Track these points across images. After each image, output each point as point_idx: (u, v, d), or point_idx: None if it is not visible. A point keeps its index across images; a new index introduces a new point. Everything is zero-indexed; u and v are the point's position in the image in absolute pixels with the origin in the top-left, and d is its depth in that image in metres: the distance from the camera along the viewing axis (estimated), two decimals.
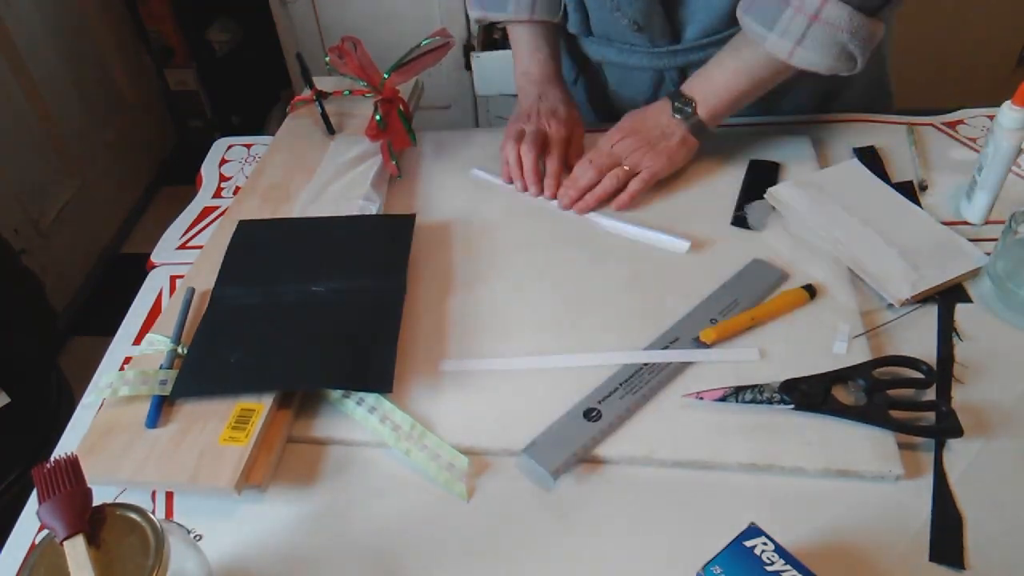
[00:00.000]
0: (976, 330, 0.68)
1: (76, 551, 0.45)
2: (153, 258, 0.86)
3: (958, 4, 1.89)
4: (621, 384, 0.64)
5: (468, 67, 1.89)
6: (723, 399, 0.62)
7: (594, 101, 1.04)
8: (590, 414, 0.62)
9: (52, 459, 0.48)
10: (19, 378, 1.28)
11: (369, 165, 0.89)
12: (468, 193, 0.89)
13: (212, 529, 0.59)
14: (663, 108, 0.85)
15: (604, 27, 0.91)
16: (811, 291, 0.71)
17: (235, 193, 0.94)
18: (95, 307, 2.00)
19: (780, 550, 0.47)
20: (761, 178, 0.85)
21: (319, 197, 0.86)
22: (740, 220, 0.81)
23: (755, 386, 0.62)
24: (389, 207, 0.87)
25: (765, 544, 0.48)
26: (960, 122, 0.93)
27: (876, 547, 0.54)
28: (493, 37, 1.65)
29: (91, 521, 0.46)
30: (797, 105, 0.95)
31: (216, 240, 0.82)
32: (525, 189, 0.87)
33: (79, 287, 2.00)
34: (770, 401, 0.61)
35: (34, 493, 0.52)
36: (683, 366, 0.66)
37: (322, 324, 0.69)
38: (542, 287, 0.76)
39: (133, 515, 0.47)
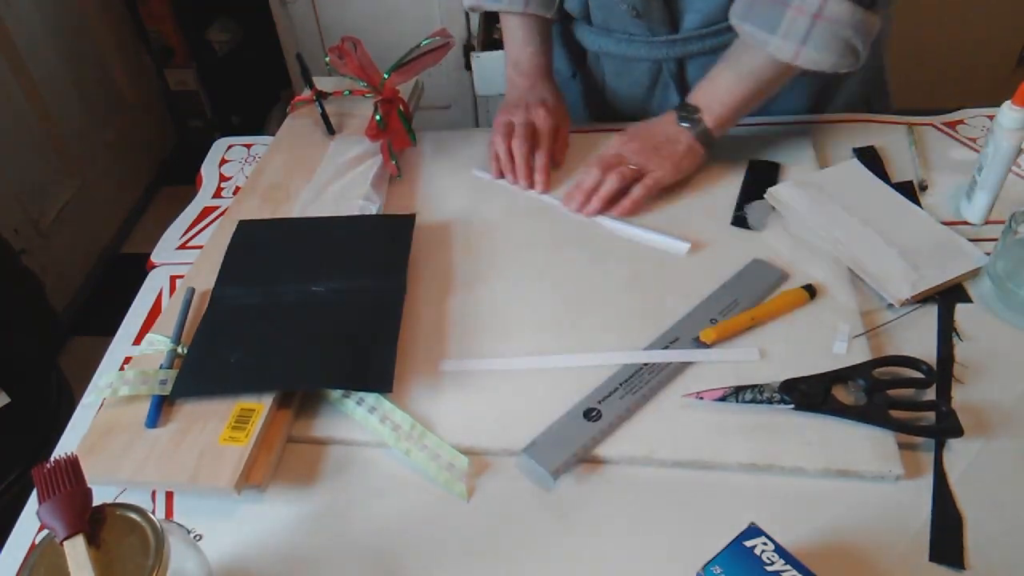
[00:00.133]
0: (976, 330, 0.68)
1: (76, 551, 0.44)
2: (153, 258, 0.86)
3: (958, 4, 1.89)
4: (621, 384, 0.64)
5: (468, 67, 1.89)
6: (723, 399, 0.62)
7: (590, 98, 1.04)
8: (590, 414, 0.62)
9: (52, 459, 0.48)
10: (19, 378, 1.28)
11: (369, 165, 0.89)
12: (468, 193, 0.89)
13: (212, 529, 0.59)
14: (669, 118, 0.85)
15: (604, 15, 0.91)
16: (811, 291, 0.71)
17: (235, 193, 0.94)
18: (95, 307, 2.00)
19: (780, 550, 0.47)
20: (761, 178, 0.85)
21: (319, 197, 0.86)
22: (740, 220, 0.81)
23: (755, 386, 0.62)
24: (389, 207, 0.87)
25: (765, 544, 0.48)
26: (960, 122, 0.93)
27: (876, 547, 0.54)
28: (493, 37, 1.65)
29: (91, 521, 0.46)
30: (794, 103, 0.95)
31: (216, 240, 0.82)
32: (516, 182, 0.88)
33: (79, 287, 2.00)
34: (770, 401, 0.61)
35: (34, 493, 0.52)
36: (683, 366, 0.66)
37: (322, 324, 0.69)
38: (542, 287, 0.76)
39: (133, 515, 0.47)
